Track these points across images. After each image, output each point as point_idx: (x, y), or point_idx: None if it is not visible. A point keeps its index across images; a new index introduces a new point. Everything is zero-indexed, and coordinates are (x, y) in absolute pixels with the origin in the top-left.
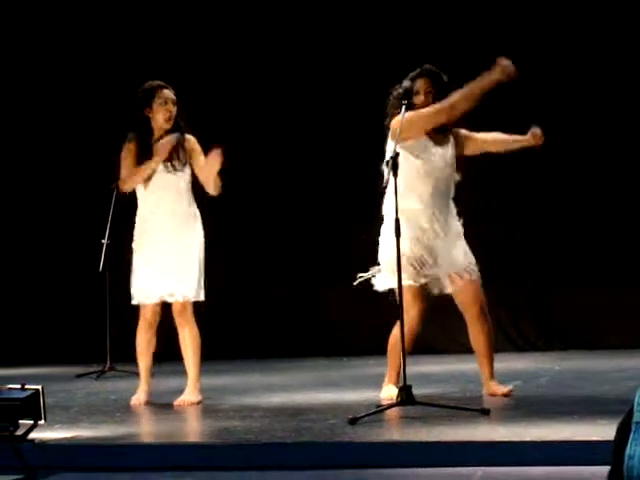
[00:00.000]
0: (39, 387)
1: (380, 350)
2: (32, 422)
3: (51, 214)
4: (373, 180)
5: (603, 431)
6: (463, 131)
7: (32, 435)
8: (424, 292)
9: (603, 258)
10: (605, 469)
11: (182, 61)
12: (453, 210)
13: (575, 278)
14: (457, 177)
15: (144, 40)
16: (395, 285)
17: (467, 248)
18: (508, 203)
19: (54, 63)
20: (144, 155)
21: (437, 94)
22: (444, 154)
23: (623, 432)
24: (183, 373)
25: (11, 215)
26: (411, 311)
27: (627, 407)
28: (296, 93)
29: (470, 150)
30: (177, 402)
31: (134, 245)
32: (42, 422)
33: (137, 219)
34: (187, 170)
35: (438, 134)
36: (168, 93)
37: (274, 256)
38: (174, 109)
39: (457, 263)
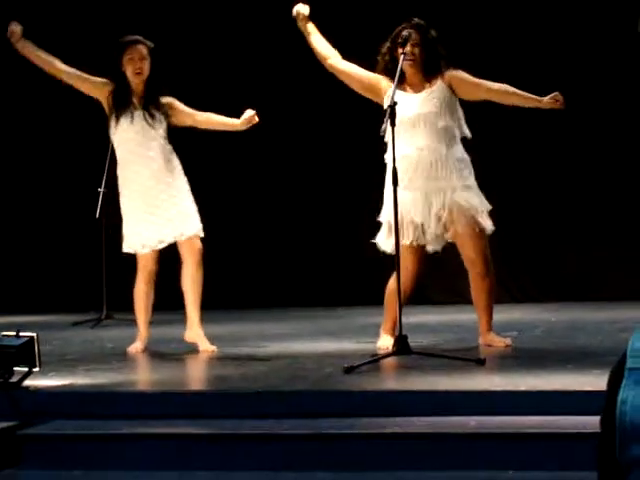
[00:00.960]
0: (34, 334)
1: (378, 300)
2: (27, 369)
3: (49, 162)
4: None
5: (597, 381)
6: (459, 74)
7: (27, 382)
8: (423, 251)
9: (599, 210)
10: (598, 419)
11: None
12: (451, 158)
13: (571, 230)
14: (449, 122)
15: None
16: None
17: (472, 199)
18: (504, 155)
19: (45, 21)
20: (121, 106)
21: (425, 49)
22: (423, 100)
23: (616, 378)
24: (178, 322)
25: (8, 163)
26: (409, 266)
27: (623, 352)
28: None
29: (469, 95)
30: (204, 350)
31: (122, 195)
32: (37, 369)
33: (119, 169)
34: (162, 120)
35: (414, 81)
36: (137, 49)
37: (271, 205)
38: (143, 64)
39: (453, 212)
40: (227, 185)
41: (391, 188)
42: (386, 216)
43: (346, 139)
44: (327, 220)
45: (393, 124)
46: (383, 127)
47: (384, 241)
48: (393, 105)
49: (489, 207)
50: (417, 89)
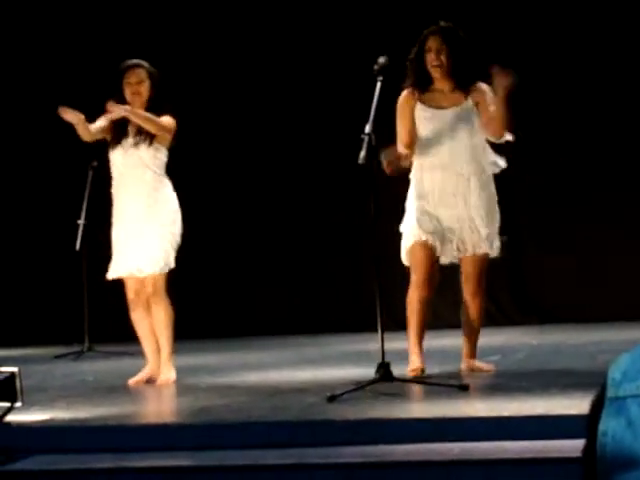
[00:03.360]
0: (15, 369)
1: (359, 327)
2: (8, 405)
3: (27, 194)
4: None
5: (580, 405)
6: (487, 91)
7: (9, 418)
8: (435, 257)
9: (580, 231)
10: (582, 442)
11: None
12: (476, 176)
13: (552, 252)
14: (479, 138)
15: (132, 28)
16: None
17: (479, 221)
18: None
19: (31, 41)
20: (117, 133)
21: (453, 52)
22: (458, 115)
23: (596, 408)
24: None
25: None
26: (431, 278)
27: (603, 381)
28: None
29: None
30: (158, 382)
31: (113, 219)
32: (19, 404)
33: (113, 194)
34: (151, 147)
35: (443, 94)
36: (133, 72)
37: (251, 233)
38: (140, 88)
39: (465, 234)
40: (205, 212)
41: (415, 203)
42: (408, 229)
43: (320, 164)
44: (308, 248)
45: (369, 152)
46: (362, 155)
47: (404, 253)
48: (369, 134)
49: None
50: (449, 103)
